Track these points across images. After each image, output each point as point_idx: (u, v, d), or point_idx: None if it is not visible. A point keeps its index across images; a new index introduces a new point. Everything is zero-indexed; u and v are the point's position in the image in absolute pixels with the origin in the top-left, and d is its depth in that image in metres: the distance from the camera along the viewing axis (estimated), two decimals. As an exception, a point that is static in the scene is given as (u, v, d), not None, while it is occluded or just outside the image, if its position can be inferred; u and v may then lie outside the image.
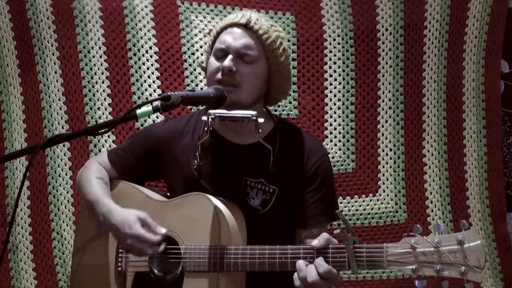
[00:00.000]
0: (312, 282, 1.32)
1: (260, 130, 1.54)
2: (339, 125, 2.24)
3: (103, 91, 2.14)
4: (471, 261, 1.24)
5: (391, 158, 2.24)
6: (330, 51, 2.22)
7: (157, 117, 2.13)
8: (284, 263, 1.41)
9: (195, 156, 1.64)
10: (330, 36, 2.22)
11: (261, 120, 1.52)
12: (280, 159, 1.62)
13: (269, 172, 1.60)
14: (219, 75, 1.55)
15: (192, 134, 1.68)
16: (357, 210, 2.22)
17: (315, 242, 1.38)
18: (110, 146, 2.13)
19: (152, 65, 2.15)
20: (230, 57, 1.55)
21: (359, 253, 1.34)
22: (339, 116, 2.24)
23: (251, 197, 1.61)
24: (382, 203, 2.24)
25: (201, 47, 2.17)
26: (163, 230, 1.48)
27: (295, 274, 1.37)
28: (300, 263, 1.36)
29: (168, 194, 1.78)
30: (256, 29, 1.57)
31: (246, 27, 1.57)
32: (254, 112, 1.51)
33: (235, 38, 1.57)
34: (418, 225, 1.32)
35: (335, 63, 2.23)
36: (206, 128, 1.57)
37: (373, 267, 1.35)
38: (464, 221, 1.29)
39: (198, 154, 1.63)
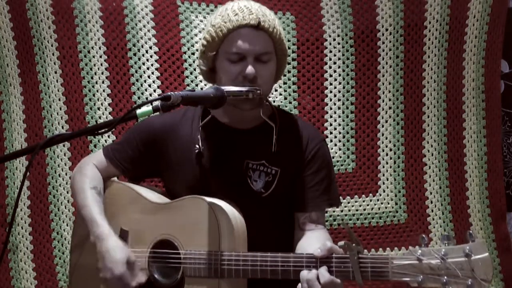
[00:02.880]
0: None
1: (264, 103, 1.57)
2: (339, 125, 2.24)
3: (103, 91, 2.14)
4: (478, 274, 1.21)
5: (391, 158, 2.24)
6: (330, 51, 2.22)
7: (157, 117, 2.13)
8: (287, 271, 1.39)
9: (196, 142, 1.64)
10: (330, 36, 2.22)
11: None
12: (280, 142, 1.63)
13: (270, 154, 1.61)
14: (239, 80, 1.54)
15: (191, 124, 1.68)
16: (357, 210, 2.22)
17: (317, 252, 1.36)
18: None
19: (152, 65, 2.15)
20: (250, 62, 1.53)
21: (364, 263, 1.32)
22: (339, 116, 2.24)
23: (253, 180, 1.61)
24: (382, 203, 2.24)
25: (201, 47, 2.18)
26: (143, 279, 1.51)
27: (299, 285, 1.36)
28: (304, 273, 1.35)
29: (163, 190, 1.77)
30: (267, 27, 1.54)
31: (257, 27, 1.54)
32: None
33: (250, 42, 1.53)
34: (423, 236, 1.28)
35: (335, 63, 2.23)
36: (208, 109, 1.58)
37: (378, 278, 1.33)
38: (470, 231, 1.25)
39: (199, 139, 1.63)
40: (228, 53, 1.55)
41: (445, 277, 1.23)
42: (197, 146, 1.63)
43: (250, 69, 1.52)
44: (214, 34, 1.56)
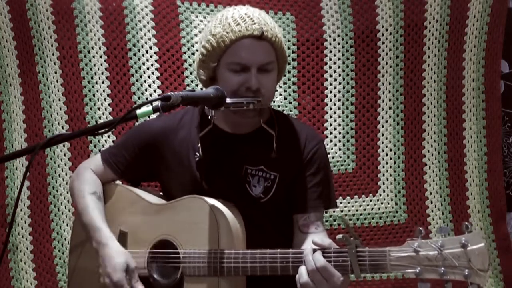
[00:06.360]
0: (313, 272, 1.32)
1: (262, 115, 1.56)
2: (339, 125, 2.24)
3: (103, 91, 2.14)
4: (475, 264, 1.22)
5: (391, 158, 2.24)
6: (330, 51, 2.22)
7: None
8: (286, 267, 1.40)
9: (195, 148, 1.62)
10: (330, 36, 2.22)
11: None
12: (279, 146, 1.62)
13: (269, 159, 1.61)
14: (242, 91, 1.53)
15: (189, 128, 1.67)
16: (357, 210, 2.22)
17: (316, 239, 1.37)
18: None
19: (152, 65, 2.15)
20: (254, 73, 1.51)
21: (362, 257, 1.32)
22: (339, 116, 2.24)
23: (252, 186, 1.61)
24: (382, 203, 2.24)
25: (201, 47, 2.18)
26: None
27: (297, 276, 1.36)
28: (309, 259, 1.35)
29: (161, 193, 1.77)
30: (269, 37, 1.52)
31: (260, 37, 1.51)
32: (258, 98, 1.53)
33: (254, 53, 1.52)
34: (420, 228, 1.30)
35: (335, 63, 2.23)
36: (209, 117, 1.57)
37: (376, 271, 1.33)
38: (466, 223, 1.27)
39: (200, 146, 1.62)
40: (231, 64, 1.53)
41: (443, 268, 1.25)
42: (197, 154, 1.62)
43: (254, 81, 1.51)
44: (215, 44, 1.53)
